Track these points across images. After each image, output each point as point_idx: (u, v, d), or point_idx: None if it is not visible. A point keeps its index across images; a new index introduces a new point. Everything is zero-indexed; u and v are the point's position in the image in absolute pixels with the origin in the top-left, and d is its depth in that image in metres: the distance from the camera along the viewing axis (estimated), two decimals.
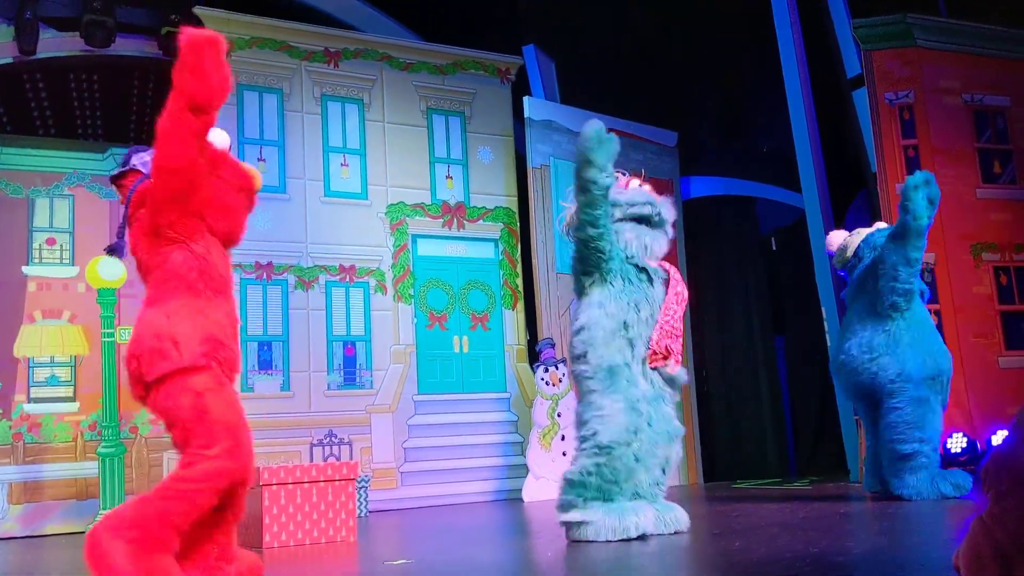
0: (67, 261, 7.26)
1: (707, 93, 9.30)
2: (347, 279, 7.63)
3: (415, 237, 7.93)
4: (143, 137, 7.99)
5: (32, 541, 6.34)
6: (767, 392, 8.93)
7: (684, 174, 9.19)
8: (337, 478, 5.06)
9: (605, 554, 3.72)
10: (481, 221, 8.24)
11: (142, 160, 3.10)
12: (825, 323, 7.78)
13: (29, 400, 6.94)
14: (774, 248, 9.48)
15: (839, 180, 8.06)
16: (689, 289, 9.10)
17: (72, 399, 7.04)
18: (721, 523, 4.61)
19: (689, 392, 8.68)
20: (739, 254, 9.21)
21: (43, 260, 7.22)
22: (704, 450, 8.69)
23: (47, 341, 7.06)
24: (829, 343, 7.75)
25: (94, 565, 2.56)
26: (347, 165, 7.79)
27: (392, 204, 7.89)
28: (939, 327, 6.90)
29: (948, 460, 6.51)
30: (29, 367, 7.00)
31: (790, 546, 3.39)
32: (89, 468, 6.85)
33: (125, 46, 7.63)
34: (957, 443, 6.56)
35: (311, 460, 7.03)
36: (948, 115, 7.39)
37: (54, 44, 7.42)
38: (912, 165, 7.17)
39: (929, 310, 5.71)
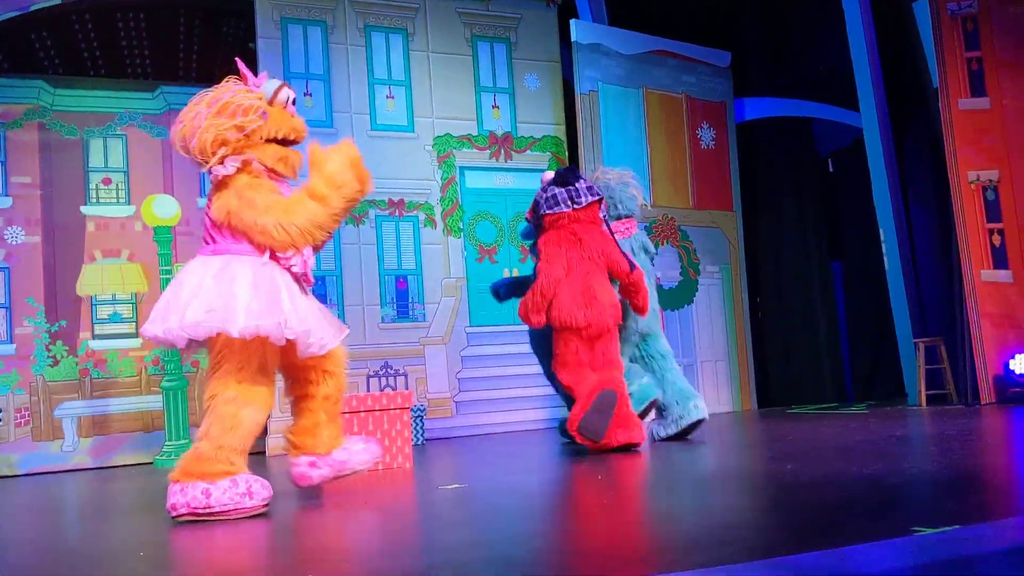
0: (123, 200, 7.39)
1: (761, 10, 8.99)
2: (396, 213, 7.65)
3: (462, 169, 7.89)
4: (192, 75, 8.03)
5: (102, 472, 6.59)
6: (823, 317, 8.80)
7: (738, 96, 8.96)
8: (392, 407, 5.15)
9: (650, 477, 3.74)
10: (529, 151, 8.16)
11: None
12: (883, 246, 7.61)
13: (93, 337, 7.14)
14: (831, 170, 9.25)
15: (899, 97, 7.79)
16: (745, 215, 8.96)
17: (134, 335, 7.22)
18: (774, 447, 4.59)
19: (743, 317, 8.61)
20: (795, 177, 9.01)
21: (100, 200, 7.36)
22: (758, 376, 8.64)
23: (108, 279, 7.23)
24: (887, 266, 7.59)
25: None
26: (392, 97, 7.74)
27: (439, 136, 7.84)
28: (1002, 246, 6.70)
29: (1015, 382, 6.38)
30: (92, 305, 7.19)
31: (844, 469, 3.36)
32: (154, 401, 7.07)
33: None
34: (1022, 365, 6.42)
35: (368, 391, 7.15)
36: (1014, 26, 7.04)
37: None
38: (976, 79, 6.88)
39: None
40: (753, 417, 7.46)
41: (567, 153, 8.25)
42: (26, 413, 6.91)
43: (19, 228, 7.07)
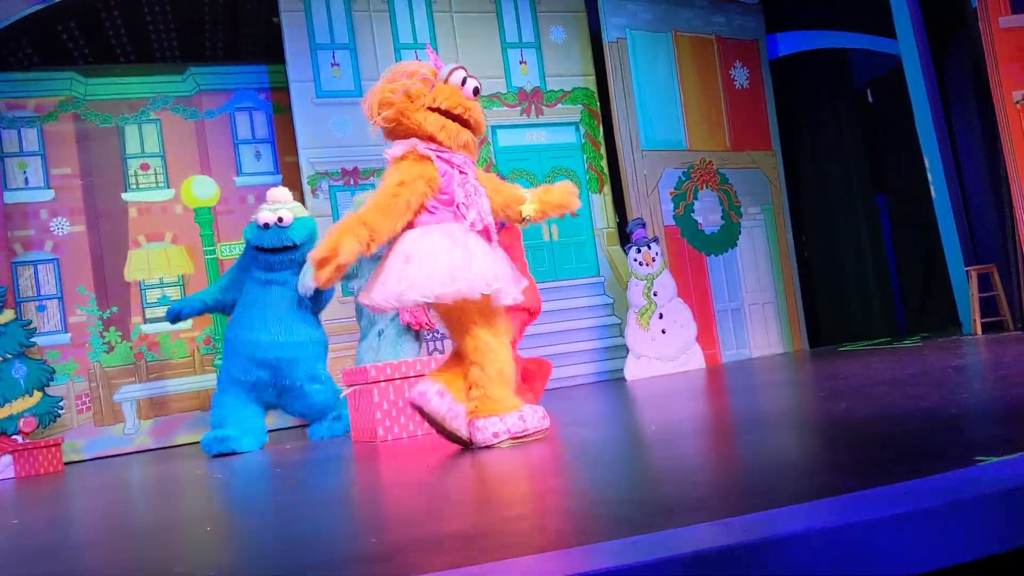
0: (162, 184, 7.47)
1: None
2: None
3: (494, 128, 7.84)
4: (219, 54, 8.04)
5: (165, 452, 6.74)
6: (870, 251, 8.66)
7: (770, 31, 8.76)
8: None
9: (703, 423, 3.72)
10: (560, 105, 8.08)
11: None
12: (929, 175, 7.43)
13: (145, 321, 7.28)
14: (870, 100, 9.03)
15: (937, 20, 7.55)
16: (785, 154, 8.79)
17: None
18: (826, 386, 4.55)
19: (789, 257, 8.50)
20: (834, 110, 8.82)
21: (140, 186, 7.45)
22: (808, 315, 8.54)
23: (154, 263, 7.35)
24: (934, 195, 7.42)
25: None
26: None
27: None
28: None
29: None
30: (141, 290, 7.31)
31: (899, 403, 3.32)
32: (209, 380, 7.19)
33: None
34: None
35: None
36: None
37: None
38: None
39: None
40: (804, 357, 7.39)
41: (598, 103, 8.16)
42: (87, 399, 7.09)
43: (64, 219, 7.20)
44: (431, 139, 3.67)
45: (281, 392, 5.65)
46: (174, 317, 5.92)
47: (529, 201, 3.93)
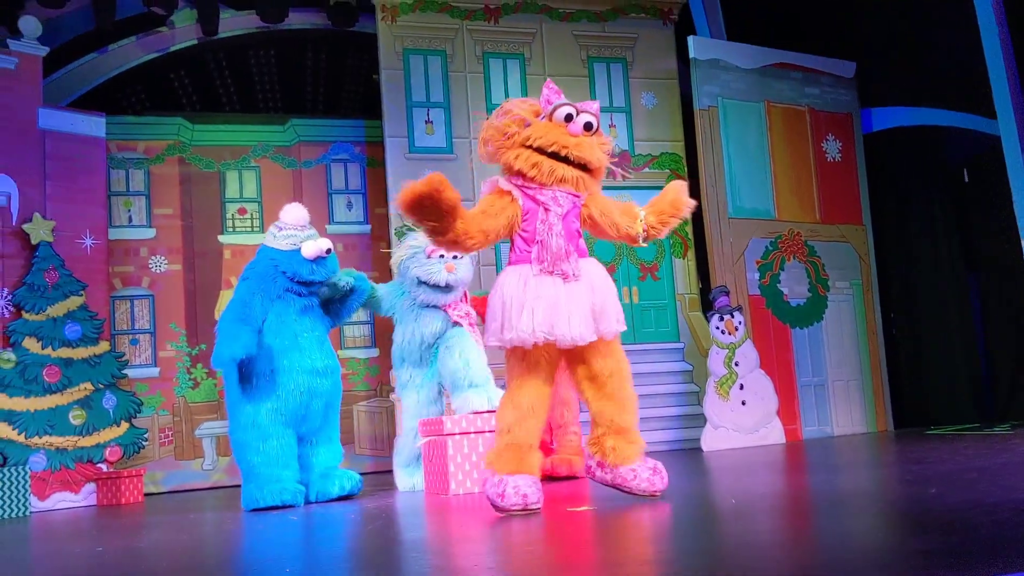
0: (257, 229, 7.72)
1: (886, 15, 8.70)
2: None
3: None
4: (319, 108, 8.34)
5: (239, 490, 6.83)
6: (960, 333, 8.39)
7: (864, 106, 8.69)
8: None
9: (784, 502, 3.64)
10: (647, 169, 8.11)
11: None
12: None
13: None
14: (966, 180, 8.83)
15: None
16: (875, 229, 8.57)
17: None
18: (914, 470, 4.40)
19: (876, 335, 8.29)
20: (927, 187, 8.65)
21: (236, 229, 7.71)
22: (893, 395, 8.29)
23: None
24: None
25: None
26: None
27: None
28: None
29: None
30: None
31: (990, 492, 3.19)
32: None
33: (297, 20, 7.96)
34: None
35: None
36: None
37: (233, 23, 7.84)
38: None
39: None
40: (889, 438, 7.16)
41: (686, 169, 8.17)
42: (169, 433, 7.28)
43: (162, 257, 7.48)
44: (520, 175, 3.72)
45: (313, 430, 5.22)
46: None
47: (643, 215, 3.92)
